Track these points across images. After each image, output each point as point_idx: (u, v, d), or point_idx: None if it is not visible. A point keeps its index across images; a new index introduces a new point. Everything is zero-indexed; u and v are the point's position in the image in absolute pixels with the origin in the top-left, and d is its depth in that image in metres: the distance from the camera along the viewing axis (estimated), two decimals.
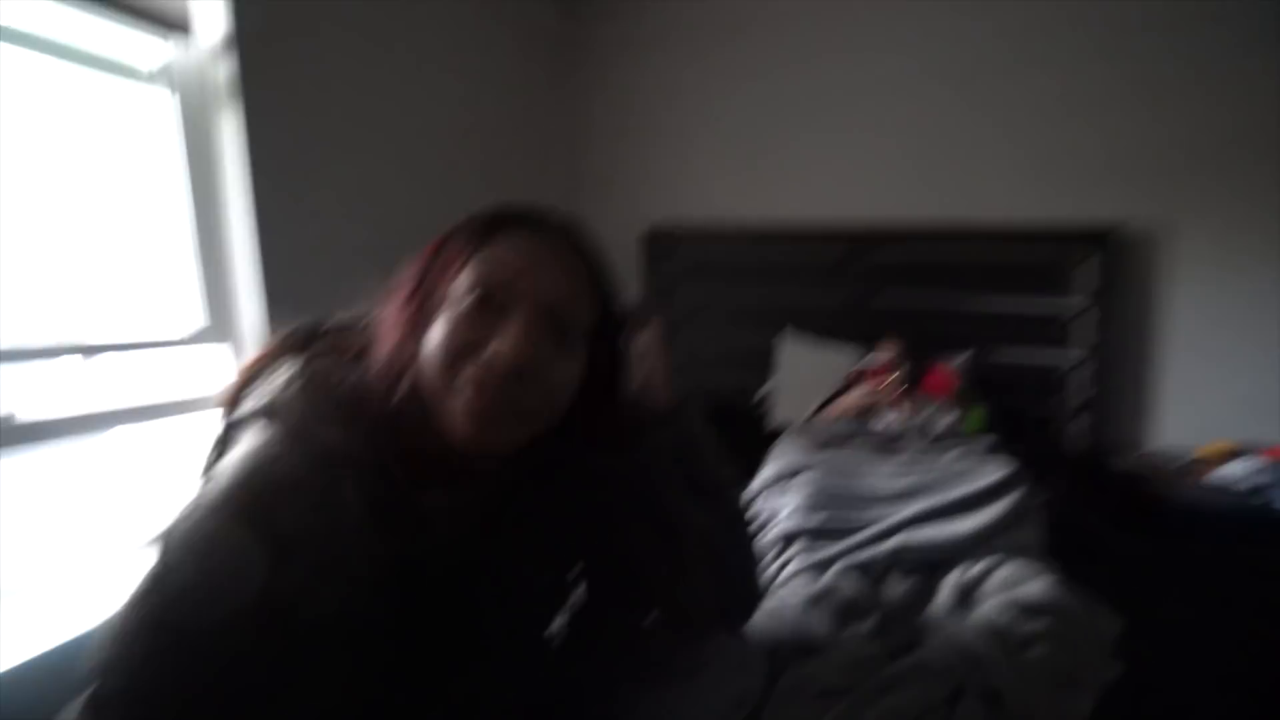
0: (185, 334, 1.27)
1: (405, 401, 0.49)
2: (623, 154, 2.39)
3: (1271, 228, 1.74)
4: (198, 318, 1.29)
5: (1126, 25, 1.80)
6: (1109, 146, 1.86)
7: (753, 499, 1.31)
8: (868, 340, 1.90)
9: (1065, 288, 1.88)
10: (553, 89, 2.31)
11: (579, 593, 0.68)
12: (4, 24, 0.97)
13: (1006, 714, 0.73)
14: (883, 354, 1.81)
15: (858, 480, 1.31)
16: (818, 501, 1.21)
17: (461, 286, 0.51)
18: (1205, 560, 1.28)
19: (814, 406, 1.87)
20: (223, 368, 1.33)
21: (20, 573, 1.07)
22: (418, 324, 0.51)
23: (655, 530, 0.62)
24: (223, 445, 0.52)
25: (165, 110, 1.22)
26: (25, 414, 1.00)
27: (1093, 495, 1.53)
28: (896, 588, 0.96)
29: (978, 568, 0.98)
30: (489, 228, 0.53)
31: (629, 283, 0.62)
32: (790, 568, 1.03)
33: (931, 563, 1.04)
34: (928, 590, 0.98)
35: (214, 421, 0.55)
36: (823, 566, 1.01)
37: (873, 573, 0.99)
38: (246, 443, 0.48)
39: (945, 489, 1.22)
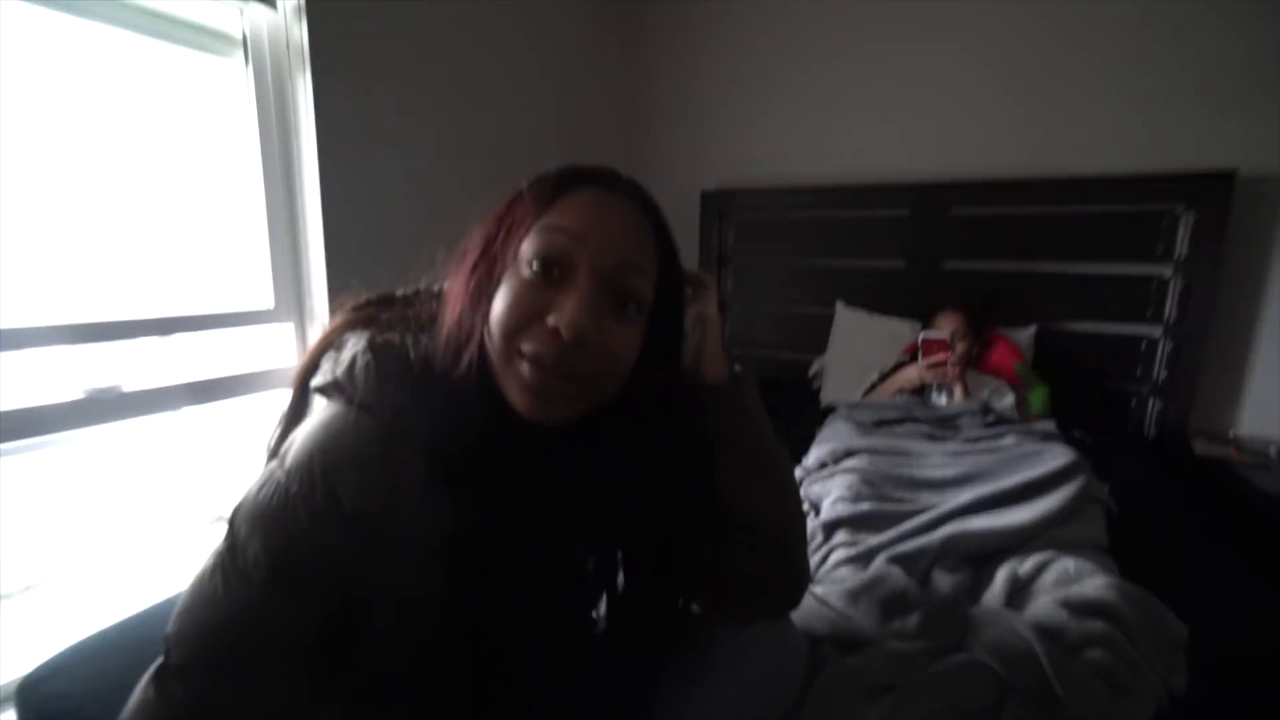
0: (255, 311, 1.32)
1: (471, 372, 0.50)
2: (680, 112, 2.34)
3: None
4: (267, 296, 1.34)
5: None
6: (1219, 78, 1.63)
7: (799, 484, 1.30)
8: (929, 308, 1.81)
9: (1155, 250, 1.71)
10: (618, 50, 2.28)
11: (623, 575, 0.69)
12: None
13: (1057, 719, 0.71)
14: (944, 325, 1.73)
15: (907, 466, 1.28)
16: (864, 490, 1.18)
17: (525, 253, 0.50)
18: None
19: (868, 382, 1.81)
20: (291, 345, 1.39)
21: (106, 542, 1.16)
22: (482, 293, 0.51)
23: (704, 507, 0.62)
24: (293, 419, 0.54)
25: (240, 83, 1.25)
26: (118, 386, 1.06)
27: (1168, 484, 1.44)
28: (944, 581, 0.93)
29: (1032, 562, 0.95)
30: (555, 190, 0.52)
31: (684, 248, 0.61)
32: (834, 558, 1.02)
33: (983, 555, 1.00)
34: (978, 585, 0.96)
35: (284, 397, 0.56)
36: (868, 557, 0.99)
37: (920, 565, 0.96)
38: (315, 417, 0.49)
39: (1001, 476, 1.17)
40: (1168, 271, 1.71)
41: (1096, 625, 0.81)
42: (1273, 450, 1.60)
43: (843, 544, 1.05)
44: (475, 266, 0.52)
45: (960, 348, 1.69)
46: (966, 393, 1.62)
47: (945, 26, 1.92)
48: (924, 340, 1.68)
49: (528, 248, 0.50)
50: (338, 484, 0.46)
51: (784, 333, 2.20)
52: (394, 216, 1.45)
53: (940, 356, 1.64)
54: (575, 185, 0.53)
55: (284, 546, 0.45)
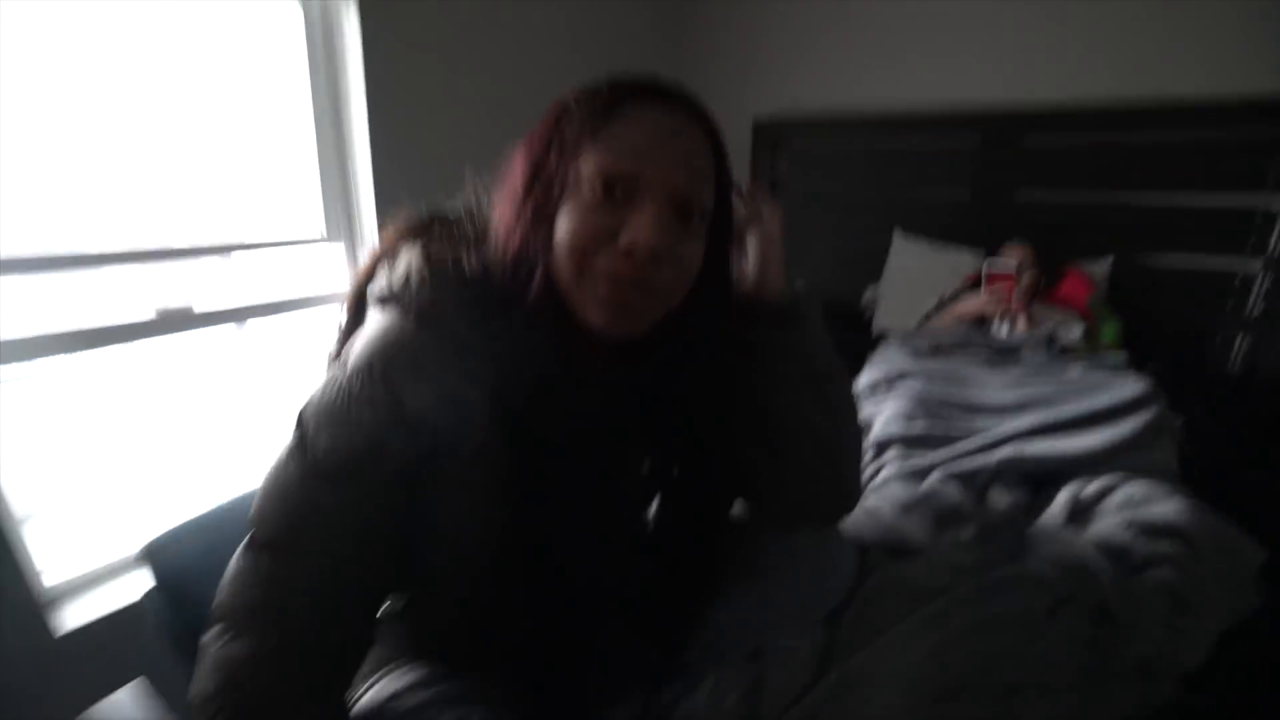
0: (310, 234, 1.36)
1: (539, 296, 0.50)
2: (731, 37, 2.20)
3: None
4: (319, 220, 1.38)
5: None
6: None
7: None
8: (996, 240, 1.71)
9: (1265, 180, 1.55)
10: None
11: (675, 480, 0.70)
12: None
13: (1114, 633, 0.69)
14: (1010, 257, 1.63)
15: (965, 390, 1.23)
16: (918, 409, 1.16)
17: (586, 172, 0.49)
18: None
19: (925, 310, 1.74)
20: (343, 265, 1.43)
21: (198, 438, 1.26)
22: (542, 217, 0.50)
23: (758, 419, 0.62)
24: (351, 327, 0.55)
25: (290, 13, 1.26)
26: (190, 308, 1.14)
27: (1250, 423, 1.36)
28: (1001, 499, 0.91)
29: (1097, 485, 0.91)
30: (610, 104, 0.50)
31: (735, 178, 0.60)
32: (885, 473, 1.01)
33: (1042, 477, 0.97)
34: (1036, 505, 0.93)
35: (341, 309, 0.57)
36: (921, 474, 0.98)
37: (976, 483, 0.94)
38: (372, 325, 0.50)
39: (1065, 403, 1.12)
40: (1277, 203, 1.56)
41: (1163, 545, 0.78)
42: None
43: (895, 460, 1.03)
44: (529, 190, 0.51)
45: (1026, 279, 1.60)
46: (1032, 324, 1.55)
47: None
48: (988, 271, 1.60)
49: (588, 168, 0.48)
50: (397, 388, 0.47)
51: (836, 262, 2.12)
52: (438, 139, 1.45)
53: (1004, 287, 1.56)
54: (629, 100, 0.51)
55: (348, 442, 0.47)
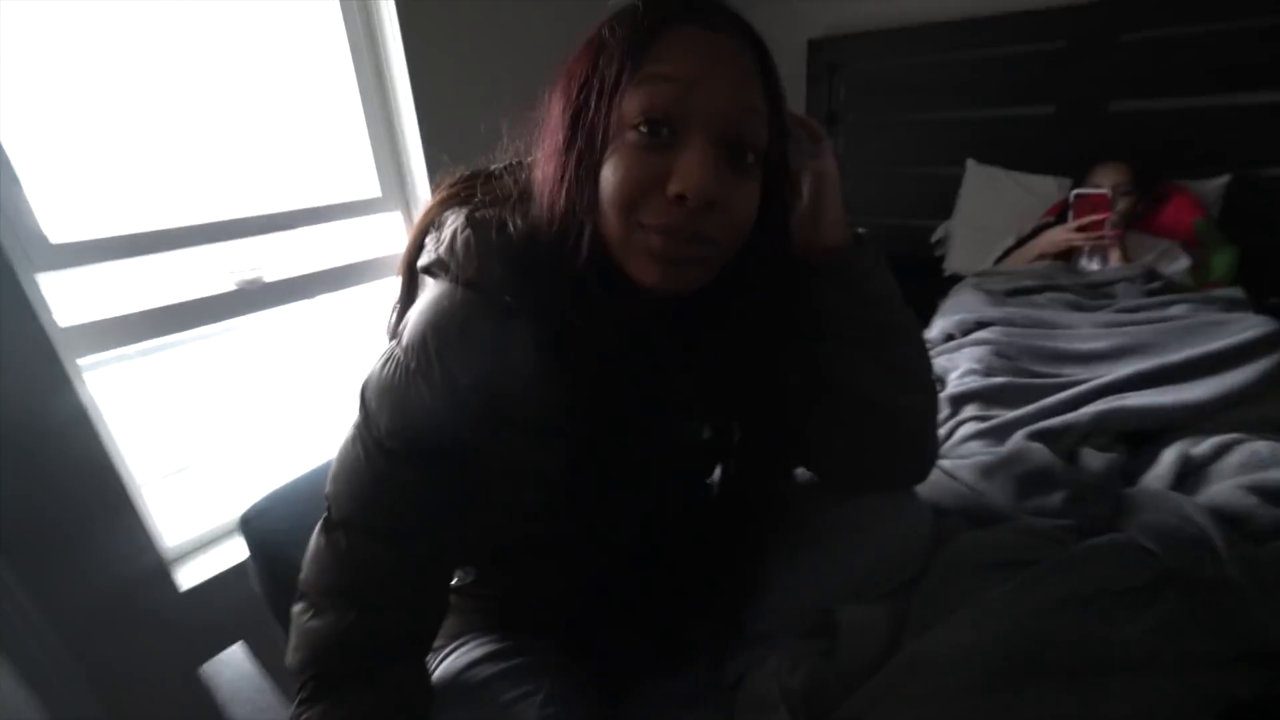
0: (364, 201, 1.36)
1: (589, 253, 0.47)
2: None
3: None
4: (374, 186, 1.37)
5: None
6: None
7: None
8: (1086, 162, 1.51)
9: None
10: None
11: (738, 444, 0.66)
12: None
13: (1228, 614, 0.62)
14: (1104, 181, 1.45)
15: (1049, 338, 1.13)
16: (996, 363, 1.07)
17: (628, 113, 0.44)
18: None
19: (1002, 248, 1.59)
20: (401, 232, 1.43)
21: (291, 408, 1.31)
22: (587, 168, 0.46)
23: (819, 381, 0.58)
24: (406, 301, 0.55)
25: None
26: (260, 278, 1.17)
27: None
28: (1095, 460, 0.82)
29: (1210, 443, 0.81)
30: (650, 32, 0.44)
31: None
32: (962, 432, 0.93)
33: (1143, 435, 0.88)
34: (1136, 465, 0.85)
35: (395, 279, 0.57)
36: (1002, 432, 0.90)
37: (1066, 442, 0.86)
38: (424, 296, 0.49)
39: (1169, 350, 1.01)
40: None
41: None
42: None
43: (973, 418, 0.95)
44: (570, 143, 0.46)
45: (1122, 204, 1.42)
46: (1127, 257, 1.39)
47: None
48: (1076, 197, 1.43)
49: (630, 106, 0.44)
50: (451, 360, 0.46)
51: (903, 197, 1.96)
52: (484, 92, 1.39)
53: (1096, 216, 1.39)
54: (670, 22, 0.45)
55: (408, 419, 0.47)
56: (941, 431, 0.96)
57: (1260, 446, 0.79)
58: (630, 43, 0.44)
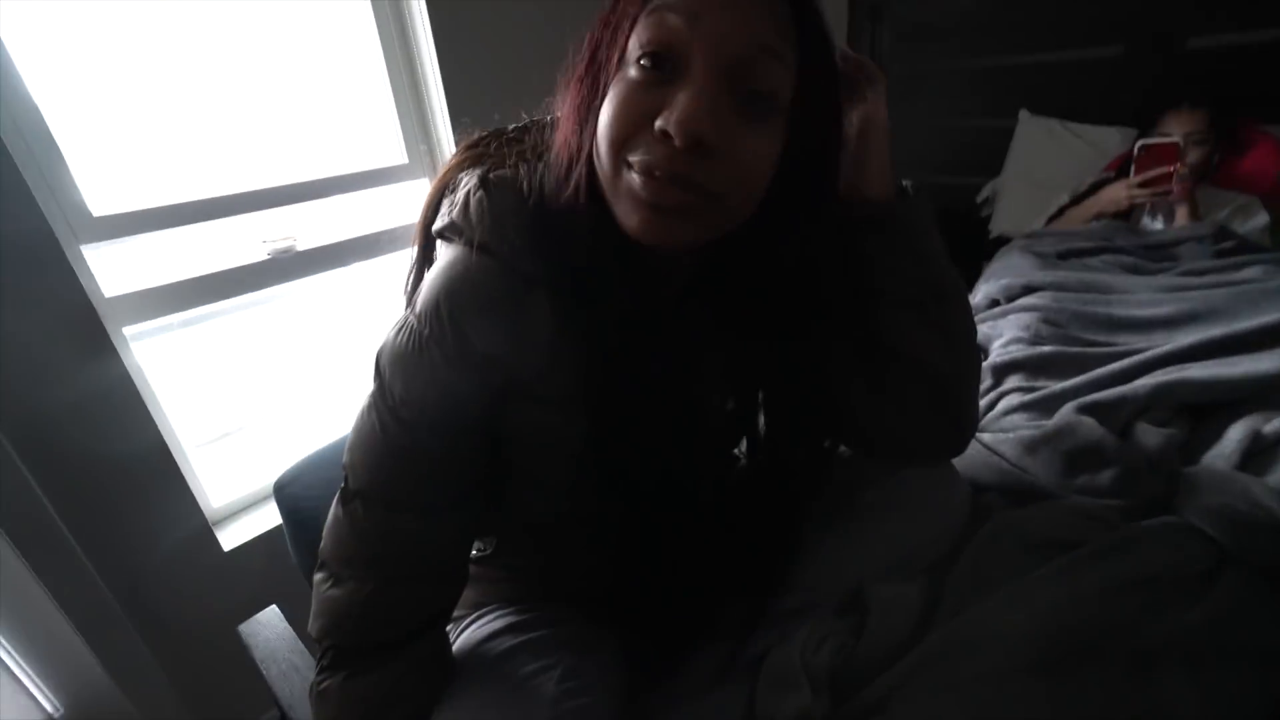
0: (391, 169, 1.34)
1: (580, 198, 0.44)
2: None
3: None
4: (400, 153, 1.35)
5: None
6: None
7: None
8: (1155, 109, 1.38)
9: None
10: None
11: (765, 416, 0.64)
12: None
13: None
14: (1176, 129, 1.33)
15: (1104, 303, 1.06)
16: (1044, 330, 1.01)
17: (633, 49, 0.41)
18: None
19: (1055, 206, 1.49)
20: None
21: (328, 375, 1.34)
22: (589, 104, 0.43)
23: (859, 349, 0.54)
24: (421, 266, 0.53)
25: None
26: (293, 246, 1.18)
27: None
28: (1150, 436, 0.77)
29: None
30: None
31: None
32: (1004, 403, 0.89)
33: (1206, 409, 0.82)
34: (1197, 442, 0.79)
35: (411, 243, 0.55)
36: (1048, 404, 0.85)
37: (1120, 415, 0.80)
38: (439, 261, 0.48)
39: (1240, 315, 0.93)
40: None
41: None
42: None
43: (1017, 389, 0.90)
44: (582, 77, 0.45)
45: (1195, 155, 1.31)
46: (1196, 214, 1.28)
47: None
48: (1141, 149, 1.31)
49: (635, 41, 0.41)
50: (466, 326, 0.45)
51: (948, 152, 1.84)
52: (510, 57, 1.34)
53: (1163, 169, 1.28)
54: None
55: (424, 388, 0.46)
56: (983, 402, 0.92)
57: None
58: None
